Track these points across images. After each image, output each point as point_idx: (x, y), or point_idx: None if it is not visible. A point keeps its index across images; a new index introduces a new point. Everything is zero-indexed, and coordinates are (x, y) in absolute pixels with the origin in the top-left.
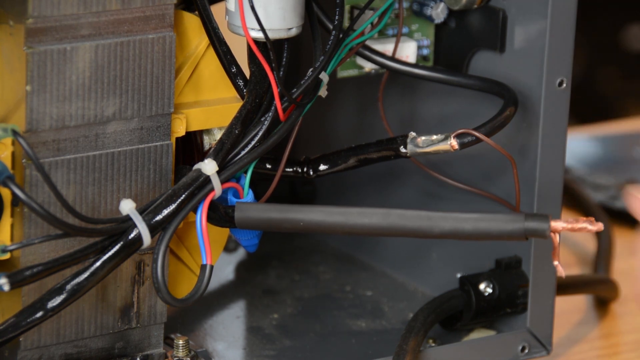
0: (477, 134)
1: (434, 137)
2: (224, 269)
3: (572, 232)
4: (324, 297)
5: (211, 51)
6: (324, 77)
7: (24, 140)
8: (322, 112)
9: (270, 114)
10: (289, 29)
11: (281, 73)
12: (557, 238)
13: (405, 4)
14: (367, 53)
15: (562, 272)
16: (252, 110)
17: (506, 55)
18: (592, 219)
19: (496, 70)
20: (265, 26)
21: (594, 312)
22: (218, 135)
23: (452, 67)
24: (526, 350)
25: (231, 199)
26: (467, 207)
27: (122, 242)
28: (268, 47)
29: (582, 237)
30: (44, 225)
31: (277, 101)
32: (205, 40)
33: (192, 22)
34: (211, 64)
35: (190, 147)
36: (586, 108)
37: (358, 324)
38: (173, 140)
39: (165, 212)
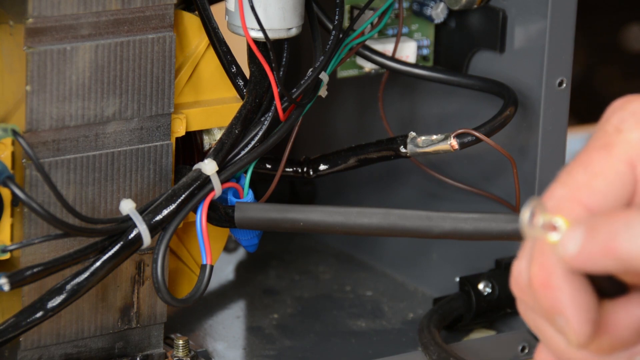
0: (477, 134)
1: (434, 137)
2: (224, 269)
3: None
4: (324, 297)
5: (211, 51)
6: (324, 77)
7: (24, 140)
8: (322, 112)
9: (270, 114)
10: (289, 29)
11: (281, 73)
12: None
13: (405, 4)
14: (367, 53)
15: None
16: (252, 110)
17: (506, 55)
18: None
19: (496, 70)
20: (265, 26)
21: None
22: (218, 135)
23: (452, 67)
24: (526, 350)
25: (231, 199)
26: (467, 207)
27: (122, 242)
28: (268, 47)
29: None
30: (44, 225)
31: (277, 101)
32: (205, 40)
33: (192, 22)
34: (211, 64)
35: (190, 147)
36: (586, 108)
37: (358, 324)
38: (173, 140)
39: (165, 212)
